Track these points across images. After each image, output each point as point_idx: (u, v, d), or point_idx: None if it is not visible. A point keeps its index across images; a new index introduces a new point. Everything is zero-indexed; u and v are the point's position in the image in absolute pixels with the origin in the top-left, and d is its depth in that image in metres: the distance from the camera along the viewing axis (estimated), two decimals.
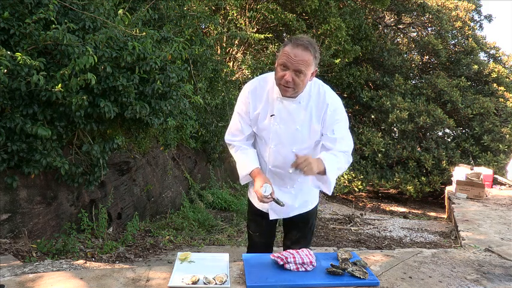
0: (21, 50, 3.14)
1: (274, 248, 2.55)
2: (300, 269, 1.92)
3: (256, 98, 2.08)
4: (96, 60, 3.21)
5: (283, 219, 2.33)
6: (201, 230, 5.21)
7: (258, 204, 2.27)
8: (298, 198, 2.20)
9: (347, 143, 2.07)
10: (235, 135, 2.18)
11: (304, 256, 1.95)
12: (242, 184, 2.26)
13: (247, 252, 2.36)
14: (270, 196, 1.97)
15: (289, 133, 2.05)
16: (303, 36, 1.92)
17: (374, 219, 6.99)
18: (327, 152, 2.04)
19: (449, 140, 11.03)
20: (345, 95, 12.16)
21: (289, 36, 2.02)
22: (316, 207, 2.35)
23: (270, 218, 2.26)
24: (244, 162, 2.12)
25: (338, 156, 2.01)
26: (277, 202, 1.99)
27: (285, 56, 1.87)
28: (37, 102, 3.29)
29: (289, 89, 1.93)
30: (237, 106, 2.16)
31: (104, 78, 3.44)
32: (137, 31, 3.77)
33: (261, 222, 2.31)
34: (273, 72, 2.07)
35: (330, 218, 7.00)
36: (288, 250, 2.05)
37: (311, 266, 1.94)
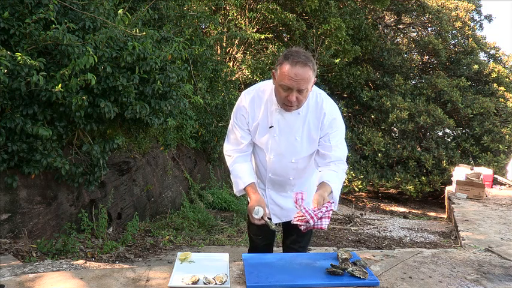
0: (21, 50, 3.13)
1: (275, 249, 2.56)
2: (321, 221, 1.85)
3: (255, 108, 2.06)
4: (96, 60, 3.21)
5: None
6: (201, 230, 5.21)
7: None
8: None
9: (342, 150, 2.07)
10: (234, 144, 2.15)
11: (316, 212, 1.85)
12: (238, 196, 2.24)
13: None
14: (261, 219, 1.98)
15: (288, 144, 2.06)
16: (298, 51, 1.87)
17: (374, 219, 6.99)
18: (326, 167, 2.02)
19: (449, 140, 11.03)
20: (345, 95, 12.16)
21: (285, 52, 1.95)
22: None
23: (273, 222, 2.27)
24: (238, 177, 2.10)
25: (338, 172, 2.01)
26: (269, 225, 2.01)
27: (286, 77, 1.83)
28: (37, 103, 3.29)
29: (293, 107, 1.93)
30: (234, 117, 2.12)
31: (104, 78, 3.44)
32: (137, 31, 3.77)
33: (261, 225, 2.32)
34: (269, 81, 2.05)
35: (330, 217, 6.98)
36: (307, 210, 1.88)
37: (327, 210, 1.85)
